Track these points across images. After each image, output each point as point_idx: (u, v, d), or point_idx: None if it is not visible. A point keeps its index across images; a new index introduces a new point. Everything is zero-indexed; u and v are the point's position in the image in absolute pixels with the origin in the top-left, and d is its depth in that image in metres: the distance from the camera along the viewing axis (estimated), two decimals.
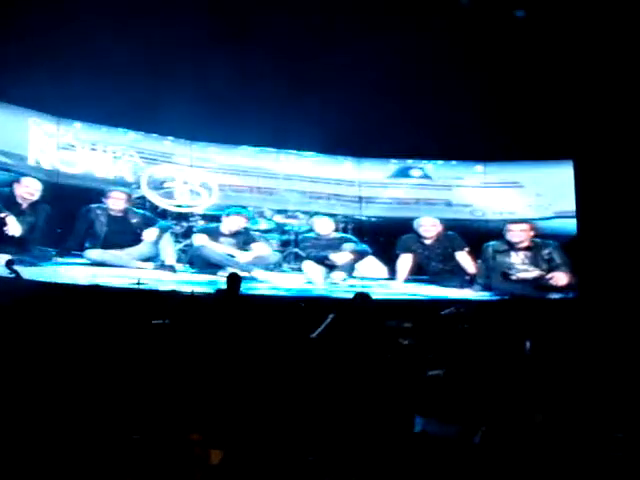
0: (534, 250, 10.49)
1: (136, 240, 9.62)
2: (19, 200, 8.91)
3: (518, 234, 10.55)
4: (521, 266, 10.46)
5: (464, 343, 6.93)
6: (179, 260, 9.83)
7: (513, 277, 10.46)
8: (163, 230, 9.79)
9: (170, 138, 10.10)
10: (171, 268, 9.67)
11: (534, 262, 10.46)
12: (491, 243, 10.58)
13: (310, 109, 9.81)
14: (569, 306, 10.02)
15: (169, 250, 9.78)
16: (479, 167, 10.90)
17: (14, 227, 8.72)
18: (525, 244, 10.53)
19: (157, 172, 9.97)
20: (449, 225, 10.67)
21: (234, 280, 7.45)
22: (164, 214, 9.91)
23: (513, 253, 10.52)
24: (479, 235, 10.65)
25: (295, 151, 10.67)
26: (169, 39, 9.40)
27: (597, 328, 8.46)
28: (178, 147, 10.13)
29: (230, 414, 5.88)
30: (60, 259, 9.11)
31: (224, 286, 7.63)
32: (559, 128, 10.38)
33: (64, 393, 5.73)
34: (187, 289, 9.04)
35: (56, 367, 6.11)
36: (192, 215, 10.08)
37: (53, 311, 6.91)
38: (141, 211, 9.77)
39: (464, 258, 10.58)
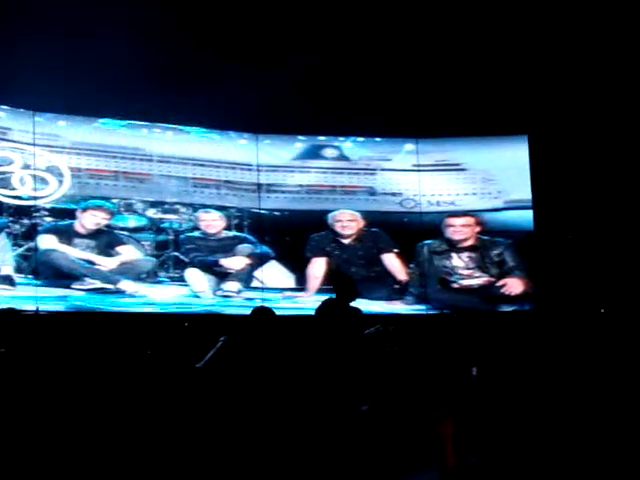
0: (481, 250, 10.67)
1: None
2: None
3: (460, 230, 10.71)
4: (465, 271, 10.62)
5: (393, 370, 6.91)
6: (19, 269, 9.60)
7: (455, 285, 10.62)
8: None
9: (5, 108, 9.83)
10: (8, 280, 9.45)
11: (481, 265, 10.63)
12: (426, 242, 10.70)
13: (195, 71, 9.79)
14: (524, 320, 10.18)
15: (5, 256, 9.54)
16: (410, 145, 11.02)
17: None
18: (469, 243, 10.71)
19: None
20: (373, 220, 10.76)
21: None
22: None
23: (454, 255, 10.66)
24: (411, 232, 10.76)
25: (174, 126, 10.60)
26: None
27: (558, 347, 8.60)
28: (16, 120, 9.89)
29: None
30: None
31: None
32: (509, 95, 10.54)
33: None
34: (30, 307, 9.02)
35: None
36: (36, 209, 9.84)
37: None
38: None
39: (392, 261, 10.68)
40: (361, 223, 10.70)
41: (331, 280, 7.52)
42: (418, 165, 10.97)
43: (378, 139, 11.04)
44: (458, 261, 10.62)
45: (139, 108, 10.16)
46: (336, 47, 10.25)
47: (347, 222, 10.68)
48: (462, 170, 10.94)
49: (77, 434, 6.11)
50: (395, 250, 10.67)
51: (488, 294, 10.59)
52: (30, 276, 9.61)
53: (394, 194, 10.92)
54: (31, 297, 9.34)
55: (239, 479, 5.76)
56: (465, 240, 10.67)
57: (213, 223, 10.49)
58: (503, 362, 7.96)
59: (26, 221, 9.75)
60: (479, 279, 10.60)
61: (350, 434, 6.11)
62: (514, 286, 10.58)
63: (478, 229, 10.69)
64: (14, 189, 9.73)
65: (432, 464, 5.93)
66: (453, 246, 10.66)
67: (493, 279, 10.62)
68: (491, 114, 10.55)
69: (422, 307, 10.49)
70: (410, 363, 7.07)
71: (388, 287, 10.59)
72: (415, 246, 10.68)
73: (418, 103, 10.45)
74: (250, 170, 10.77)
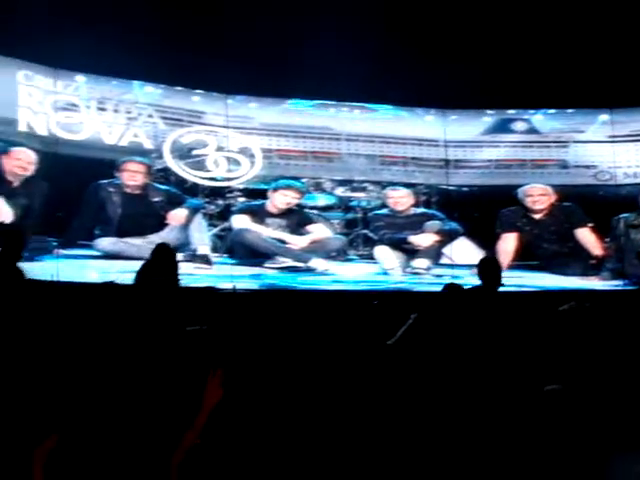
0: None
1: (159, 224, 9.63)
2: (9, 177, 8.91)
3: None
4: None
5: (590, 349, 6.72)
6: (215, 249, 9.85)
7: None
8: (193, 210, 9.79)
9: (199, 92, 10.12)
10: (205, 259, 9.67)
11: None
12: (623, 215, 10.40)
13: (382, 51, 9.75)
14: None
15: (202, 236, 9.78)
16: (604, 116, 10.76)
17: (3, 211, 8.67)
18: None
19: (184, 136, 9.99)
20: (566, 194, 10.54)
21: None
22: (194, 190, 9.94)
23: None
24: (607, 205, 10.49)
25: (361, 104, 10.66)
26: None
27: None
28: (210, 103, 10.18)
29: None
30: (63, 251, 9.09)
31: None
32: None
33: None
34: (227, 285, 9.16)
35: (64, 383, 6.13)
36: (230, 190, 10.09)
37: (57, 318, 6.92)
38: (165, 187, 9.80)
39: (587, 236, 10.42)
40: (553, 197, 10.48)
41: (478, 266, 7.07)
42: (613, 136, 10.66)
43: (570, 110, 10.77)
44: None
45: (327, 88, 10.21)
46: (524, 20, 10.06)
47: (538, 196, 10.48)
48: None
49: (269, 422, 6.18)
50: (589, 224, 10.40)
51: None
52: (225, 255, 9.86)
53: (587, 167, 10.67)
54: (227, 276, 9.55)
55: None
56: None
57: (401, 200, 10.48)
58: None
59: (220, 202, 10.01)
60: None
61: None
62: None
63: None
64: (209, 171, 10.02)
65: None
66: None
67: None
68: None
69: (619, 282, 10.16)
70: (608, 342, 6.88)
71: (583, 262, 10.33)
72: (610, 220, 10.38)
73: (611, 72, 10.14)
74: (437, 146, 10.73)
